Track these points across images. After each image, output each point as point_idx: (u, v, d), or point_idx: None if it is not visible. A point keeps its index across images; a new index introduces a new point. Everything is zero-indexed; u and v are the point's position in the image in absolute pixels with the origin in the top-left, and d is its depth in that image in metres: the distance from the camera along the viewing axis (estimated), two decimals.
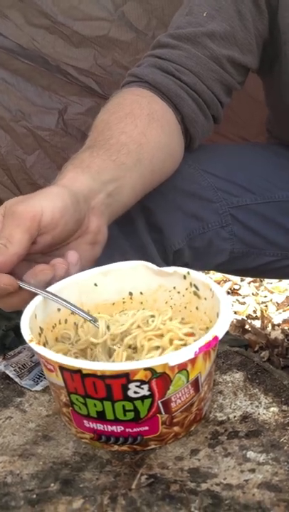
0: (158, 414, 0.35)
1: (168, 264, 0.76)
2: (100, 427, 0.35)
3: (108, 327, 0.41)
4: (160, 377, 0.33)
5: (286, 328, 1.35)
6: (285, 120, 0.82)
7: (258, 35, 0.71)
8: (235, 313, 1.46)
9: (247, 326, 1.36)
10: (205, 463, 0.35)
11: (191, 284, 0.43)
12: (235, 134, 1.10)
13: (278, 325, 1.37)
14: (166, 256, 0.73)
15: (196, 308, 0.43)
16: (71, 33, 0.95)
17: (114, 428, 0.35)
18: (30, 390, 0.43)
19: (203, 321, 0.42)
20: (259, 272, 0.88)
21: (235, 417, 0.39)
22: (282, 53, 0.72)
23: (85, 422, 0.36)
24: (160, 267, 0.74)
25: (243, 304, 1.50)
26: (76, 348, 0.42)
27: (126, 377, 0.33)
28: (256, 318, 1.42)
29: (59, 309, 0.44)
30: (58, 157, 1.01)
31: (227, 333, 1.36)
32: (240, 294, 1.54)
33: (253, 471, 0.34)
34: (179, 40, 0.71)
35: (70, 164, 0.56)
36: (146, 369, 0.33)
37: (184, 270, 0.44)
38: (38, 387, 0.44)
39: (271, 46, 0.73)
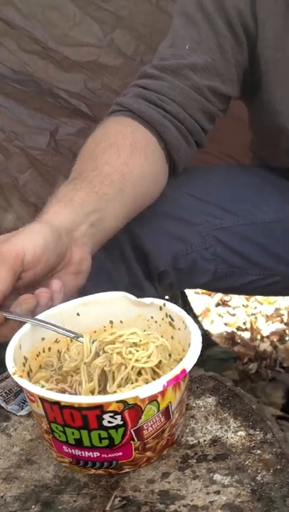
0: (131, 441, 0.38)
1: (153, 285, 0.79)
2: (78, 452, 0.38)
3: (93, 342, 0.44)
4: (132, 408, 0.37)
5: (274, 340, 1.39)
6: (267, 144, 0.86)
7: (239, 66, 0.75)
8: (225, 324, 1.50)
9: (237, 338, 1.39)
10: (174, 485, 0.38)
11: (166, 314, 0.47)
12: (222, 153, 1.14)
13: (267, 337, 1.40)
14: (151, 277, 0.76)
15: (172, 337, 0.46)
16: (62, 58, 0.99)
17: (90, 454, 0.38)
18: (16, 415, 0.46)
19: (177, 350, 0.45)
20: (242, 290, 0.91)
21: (205, 441, 0.42)
22: (263, 83, 0.76)
23: (64, 447, 0.39)
24: (144, 286, 0.77)
25: (234, 315, 1.53)
26: (58, 374, 0.45)
27: (100, 408, 0.36)
28: (246, 329, 1.45)
29: (43, 338, 0.47)
30: (49, 175, 1.04)
31: (217, 345, 1.39)
32: (230, 306, 1.57)
33: (218, 492, 0.37)
34: (162, 72, 0.74)
35: (54, 198, 0.59)
36: (118, 401, 0.36)
37: (160, 302, 0.47)
38: (23, 412, 0.46)
39: (252, 76, 0.76)
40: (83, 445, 0.38)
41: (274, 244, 0.82)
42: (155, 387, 0.36)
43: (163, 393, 0.37)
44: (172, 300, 1.19)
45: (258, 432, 0.43)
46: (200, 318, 1.47)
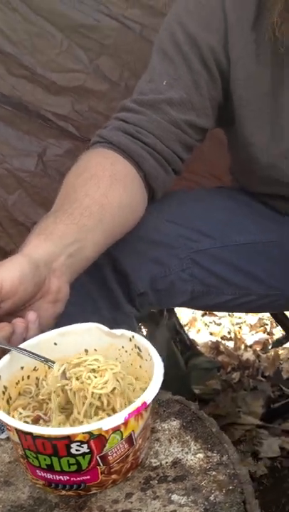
0: (97, 466, 0.42)
1: (134, 306, 0.84)
2: (49, 476, 0.43)
3: (65, 369, 0.48)
4: (97, 438, 0.41)
5: (257, 349, 1.43)
6: (243, 171, 0.90)
7: (213, 101, 0.79)
8: (211, 334, 1.54)
9: (221, 348, 1.44)
10: (136, 505, 0.43)
11: (135, 345, 0.51)
12: (206, 172, 1.18)
13: (250, 346, 1.45)
14: (131, 298, 0.81)
15: (140, 366, 0.51)
16: (49, 83, 1.03)
17: (61, 477, 0.42)
18: None
19: (144, 379, 0.50)
20: (218, 308, 0.96)
21: (166, 462, 0.47)
22: (236, 116, 0.80)
23: (37, 471, 0.43)
24: (125, 308, 0.82)
25: (219, 324, 1.58)
26: (35, 400, 0.49)
27: (68, 439, 0.40)
28: (230, 339, 1.50)
29: (22, 367, 0.51)
30: (37, 196, 1.09)
31: (201, 354, 1.43)
32: (216, 315, 1.62)
33: None
34: (141, 106, 0.79)
35: (36, 230, 0.64)
36: (84, 433, 0.40)
37: (129, 334, 0.52)
38: (3, 436, 0.51)
39: (226, 109, 0.81)
40: (54, 470, 0.42)
41: (249, 265, 0.86)
42: (117, 419, 0.41)
43: (126, 423, 0.42)
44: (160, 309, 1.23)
45: (215, 454, 0.47)
46: (187, 328, 1.52)
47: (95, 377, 0.45)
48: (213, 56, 0.76)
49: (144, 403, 0.42)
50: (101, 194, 0.70)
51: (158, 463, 0.47)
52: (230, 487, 0.44)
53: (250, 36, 0.75)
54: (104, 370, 0.45)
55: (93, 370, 0.45)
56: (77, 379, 0.45)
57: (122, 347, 0.52)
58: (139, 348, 0.50)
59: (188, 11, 0.77)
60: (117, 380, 0.45)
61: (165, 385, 1.27)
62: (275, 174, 0.83)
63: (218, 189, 0.97)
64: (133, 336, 0.51)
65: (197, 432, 0.50)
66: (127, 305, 0.80)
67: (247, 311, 1.14)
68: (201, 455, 0.47)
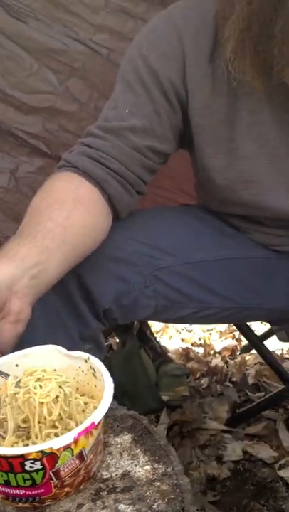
0: (50, 481, 0.47)
1: (100, 321, 0.88)
2: (7, 490, 0.47)
3: (19, 381, 0.52)
4: (49, 456, 0.45)
5: (226, 355, 1.49)
6: (205, 191, 0.95)
7: (174, 128, 0.84)
8: (182, 340, 1.59)
9: (191, 354, 1.49)
10: None
11: (90, 366, 0.55)
12: (175, 188, 1.24)
13: (219, 352, 1.51)
14: (96, 314, 0.85)
15: (95, 385, 0.55)
16: (21, 103, 1.07)
17: (17, 491, 0.47)
18: None
19: (98, 398, 0.54)
20: (182, 320, 1.00)
21: (116, 475, 0.51)
22: (195, 142, 0.85)
23: None
24: (91, 323, 0.86)
25: (190, 331, 1.63)
26: None
27: (22, 457, 0.45)
28: (201, 345, 1.55)
29: None
30: (10, 212, 1.12)
31: (172, 361, 1.48)
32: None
33: None
34: (105, 132, 0.83)
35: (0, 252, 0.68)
36: (37, 451, 0.45)
37: (85, 355, 0.56)
38: None
39: (186, 135, 0.86)
40: (11, 484, 0.46)
41: (209, 281, 0.91)
42: (67, 438, 0.45)
43: (76, 441, 0.46)
44: None
45: (161, 466, 0.52)
46: (159, 335, 1.57)
47: (40, 386, 0.49)
48: (173, 87, 0.81)
49: (93, 423, 0.47)
50: (64, 217, 0.74)
51: (109, 475, 0.51)
52: (172, 496, 0.48)
53: (206, 69, 0.80)
54: (49, 379, 0.50)
55: (39, 379, 0.50)
56: (25, 391, 0.49)
57: (79, 367, 0.57)
58: (93, 369, 0.55)
59: (150, 45, 0.81)
60: (60, 387, 0.50)
61: (135, 394, 1.32)
62: (232, 196, 0.88)
63: (181, 207, 1.02)
64: (88, 358, 0.56)
65: (147, 446, 0.54)
66: (93, 320, 0.84)
67: (209, 323, 1.20)
68: (148, 467, 0.52)
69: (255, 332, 1.27)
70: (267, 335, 1.26)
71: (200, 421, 1.16)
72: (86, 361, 0.56)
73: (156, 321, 1.06)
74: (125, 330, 1.23)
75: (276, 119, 0.80)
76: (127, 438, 0.56)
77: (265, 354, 1.11)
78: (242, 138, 0.82)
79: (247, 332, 1.11)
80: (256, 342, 1.11)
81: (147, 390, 1.20)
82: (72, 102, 1.07)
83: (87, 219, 0.78)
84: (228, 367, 1.44)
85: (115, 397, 1.23)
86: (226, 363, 1.45)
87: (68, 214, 0.75)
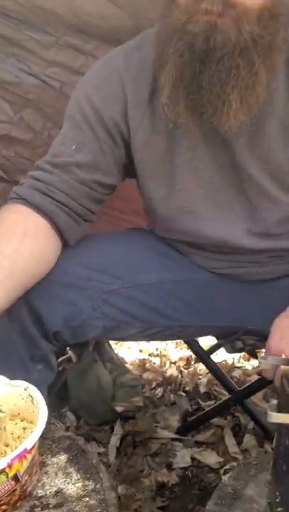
0: None
1: (50, 342, 0.93)
2: None
3: None
4: None
5: (181, 365, 1.57)
6: (150, 217, 1.02)
7: (118, 162, 0.91)
8: (140, 351, 1.66)
9: (148, 365, 1.56)
10: None
11: (29, 394, 0.61)
12: (128, 209, 1.30)
13: (174, 362, 1.58)
14: (47, 336, 0.90)
15: (33, 411, 0.61)
16: None
17: None
18: None
19: (34, 423, 0.60)
20: (129, 338, 1.07)
21: (50, 492, 0.57)
22: (138, 175, 0.92)
23: None
24: (42, 346, 0.91)
25: (149, 341, 1.70)
26: None
27: None
28: (157, 355, 1.62)
29: None
30: None
31: (129, 372, 1.55)
32: None
33: None
34: (53, 167, 0.89)
35: None
36: None
37: (25, 384, 0.62)
38: None
39: (131, 168, 0.92)
40: None
41: (155, 302, 0.98)
42: (1, 464, 0.51)
43: (10, 466, 0.52)
44: None
45: (91, 483, 0.58)
46: (118, 346, 1.63)
47: None
48: (116, 126, 0.88)
49: (25, 449, 0.53)
50: (12, 249, 0.80)
51: (43, 493, 0.57)
52: (98, 510, 0.55)
53: (146, 110, 0.87)
54: None
55: None
56: None
57: (20, 395, 0.62)
58: (31, 397, 0.61)
59: (94, 87, 0.88)
60: None
61: (90, 406, 1.38)
62: (173, 225, 0.95)
63: (129, 232, 1.08)
64: (28, 387, 0.62)
65: (80, 464, 0.61)
66: (43, 342, 0.90)
67: (155, 340, 1.26)
68: (79, 484, 0.58)
69: (208, 342, 1.35)
70: (217, 346, 1.34)
71: (152, 430, 1.23)
72: (25, 390, 0.62)
73: (105, 339, 1.12)
74: (81, 345, 1.29)
75: (211, 156, 0.88)
76: (62, 458, 0.62)
77: (211, 366, 1.19)
78: (181, 172, 0.89)
79: (193, 346, 1.19)
80: (202, 355, 1.19)
81: (102, 403, 1.26)
82: (27, 131, 1.12)
83: (36, 250, 0.83)
84: (182, 376, 1.51)
85: (73, 410, 1.30)
86: (181, 372, 1.52)
87: (17, 246, 0.81)
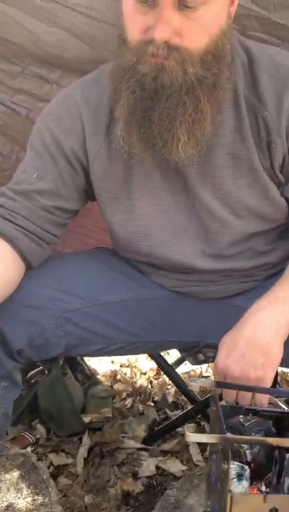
0: None
1: (15, 360, 0.97)
2: None
3: None
4: None
5: (151, 375, 1.62)
6: (112, 238, 1.07)
7: (78, 189, 0.96)
8: (112, 362, 1.71)
9: (118, 376, 1.60)
10: None
11: None
12: (96, 226, 1.35)
13: (145, 373, 1.63)
14: (11, 354, 0.95)
15: None
16: None
17: None
18: None
19: None
20: (92, 354, 1.12)
21: (2, 507, 0.62)
22: (98, 201, 0.98)
23: None
24: (6, 363, 0.95)
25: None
26: None
27: None
28: (128, 366, 1.67)
29: None
30: None
31: (100, 383, 1.60)
32: None
33: None
34: (16, 194, 0.94)
35: None
36: None
37: None
38: None
39: (92, 193, 0.98)
40: None
41: (116, 320, 1.03)
42: None
43: None
44: None
45: (40, 497, 0.63)
46: (89, 358, 1.67)
47: None
48: (75, 156, 0.93)
49: None
50: None
51: None
52: None
53: (103, 141, 0.92)
54: None
55: None
56: None
57: None
58: None
59: (55, 119, 0.93)
60: None
61: (59, 418, 1.42)
62: (132, 247, 1.00)
63: (92, 252, 1.13)
64: None
65: (31, 480, 0.65)
66: (7, 360, 0.94)
67: (119, 355, 1.31)
68: (29, 499, 0.63)
69: (177, 353, 1.40)
70: (182, 359, 1.39)
71: (119, 441, 1.28)
72: None
73: (69, 356, 1.17)
74: (51, 359, 1.33)
75: (166, 183, 0.93)
76: (15, 474, 0.66)
77: (174, 379, 1.24)
78: (138, 198, 0.95)
79: (157, 359, 1.24)
80: (165, 368, 1.24)
81: (70, 414, 1.30)
82: None
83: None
84: (152, 387, 1.56)
85: (43, 422, 1.36)
86: (151, 383, 1.57)
87: None
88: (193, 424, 1.34)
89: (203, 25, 0.77)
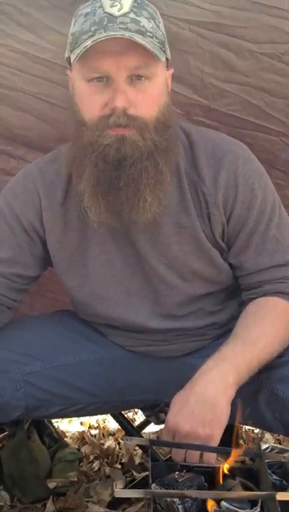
0: None
1: None
2: None
3: None
4: None
5: (119, 436, 1.61)
6: (71, 301, 1.13)
7: (36, 256, 1.03)
8: (81, 424, 1.70)
9: (86, 438, 1.59)
10: None
11: None
12: (62, 290, 1.38)
13: (113, 434, 1.62)
14: None
15: None
16: None
17: None
18: None
19: None
20: (53, 416, 1.14)
21: None
22: (55, 268, 1.04)
23: None
24: None
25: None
26: None
27: None
28: (97, 428, 1.67)
29: None
30: None
31: (67, 446, 1.58)
32: None
33: None
34: None
35: None
36: None
37: None
38: None
39: (50, 260, 1.04)
40: None
41: (75, 381, 1.06)
42: None
43: None
44: None
45: None
46: (58, 420, 1.67)
47: None
48: (32, 227, 1.01)
49: None
50: None
51: None
52: None
53: (59, 212, 1.00)
54: None
55: None
56: None
57: None
58: None
59: (14, 194, 1.02)
60: None
61: (23, 483, 1.40)
62: (89, 309, 1.06)
63: (52, 315, 1.18)
64: None
65: None
66: None
67: (79, 415, 1.33)
68: None
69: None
70: (146, 422, 1.40)
71: (83, 506, 1.26)
72: None
73: (29, 418, 1.19)
74: (15, 422, 1.33)
75: (119, 248, 1.01)
76: None
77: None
78: (93, 264, 1.02)
79: (120, 420, 1.26)
80: (127, 428, 1.26)
81: (34, 480, 1.28)
82: None
83: None
84: (120, 448, 1.55)
85: (7, 488, 1.36)
86: (118, 444, 1.56)
87: None
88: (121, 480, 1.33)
89: (152, 96, 0.88)
